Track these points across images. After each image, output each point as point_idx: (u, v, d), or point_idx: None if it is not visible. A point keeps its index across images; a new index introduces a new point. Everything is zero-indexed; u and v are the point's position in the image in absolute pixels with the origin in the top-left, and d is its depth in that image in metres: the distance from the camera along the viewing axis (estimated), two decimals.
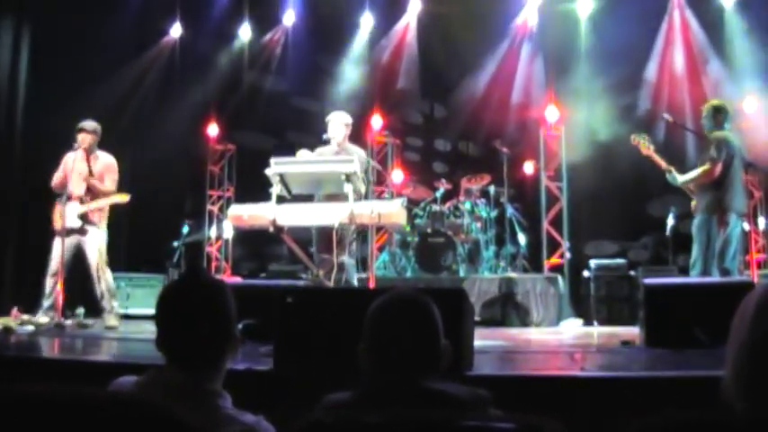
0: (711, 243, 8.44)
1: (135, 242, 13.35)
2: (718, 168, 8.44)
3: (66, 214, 9.43)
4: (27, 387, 2.18)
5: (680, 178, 8.81)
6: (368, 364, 2.56)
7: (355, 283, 9.07)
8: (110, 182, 9.78)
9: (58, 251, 9.48)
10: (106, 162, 9.84)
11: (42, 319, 9.25)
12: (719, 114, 8.78)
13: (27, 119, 12.71)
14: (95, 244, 9.66)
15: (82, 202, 9.57)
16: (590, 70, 13.44)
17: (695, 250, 8.64)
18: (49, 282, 9.48)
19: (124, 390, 2.52)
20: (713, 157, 8.46)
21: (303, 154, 8.39)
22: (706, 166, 8.52)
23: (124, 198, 9.72)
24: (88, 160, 9.68)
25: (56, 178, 9.72)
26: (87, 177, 9.64)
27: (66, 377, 5.27)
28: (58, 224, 9.53)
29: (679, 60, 13.37)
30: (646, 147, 9.15)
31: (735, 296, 2.05)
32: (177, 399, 2.32)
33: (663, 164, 8.99)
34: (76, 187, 9.59)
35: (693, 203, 8.91)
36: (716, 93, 12.65)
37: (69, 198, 9.47)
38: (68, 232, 9.49)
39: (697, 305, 6.54)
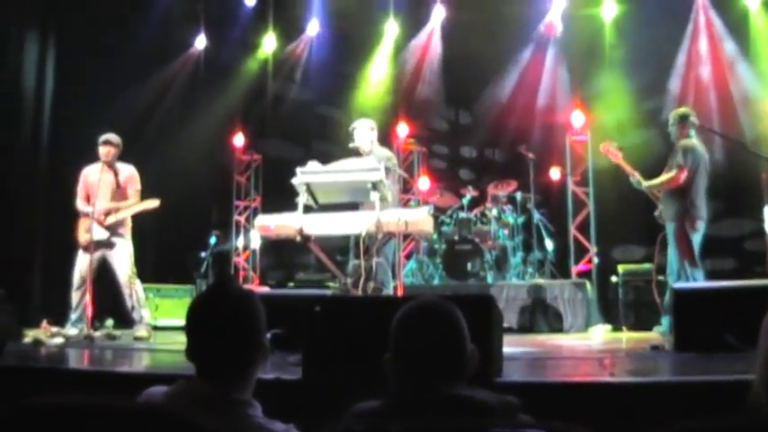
0: (695, 250, 8.48)
1: (162, 253, 13.40)
2: (684, 175, 8.55)
3: (93, 227, 9.49)
4: (53, 398, 2.20)
5: (645, 183, 8.86)
6: (394, 373, 2.56)
7: (390, 289, 9.02)
8: (132, 191, 9.83)
9: (83, 264, 9.56)
10: (129, 173, 9.89)
11: (71, 331, 9.30)
12: (685, 122, 8.86)
13: (53, 132, 12.80)
14: (124, 255, 9.72)
15: (108, 213, 9.63)
16: (615, 74, 13.40)
17: (675, 259, 8.65)
18: (74, 295, 9.55)
19: (154, 400, 2.53)
20: (680, 163, 8.58)
21: (313, 166, 8.38)
22: (672, 173, 8.64)
23: (154, 203, 9.76)
24: (115, 172, 9.74)
25: (80, 198, 9.79)
26: (114, 191, 9.71)
27: (96, 388, 5.29)
28: (82, 237, 9.60)
29: (704, 63, 13.30)
30: (615, 155, 9.26)
31: (764, 299, 2.05)
32: (207, 409, 2.33)
33: (629, 170, 9.08)
34: (102, 199, 9.65)
35: (658, 210, 8.93)
36: (742, 95, 12.60)
37: (93, 213, 9.51)
38: (95, 244, 9.53)
39: (727, 309, 6.48)
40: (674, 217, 8.63)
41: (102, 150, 9.67)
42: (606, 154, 9.47)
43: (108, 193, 9.71)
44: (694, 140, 8.83)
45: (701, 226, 8.60)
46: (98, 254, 9.62)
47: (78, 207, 9.76)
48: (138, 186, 9.88)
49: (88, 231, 9.47)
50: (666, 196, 8.77)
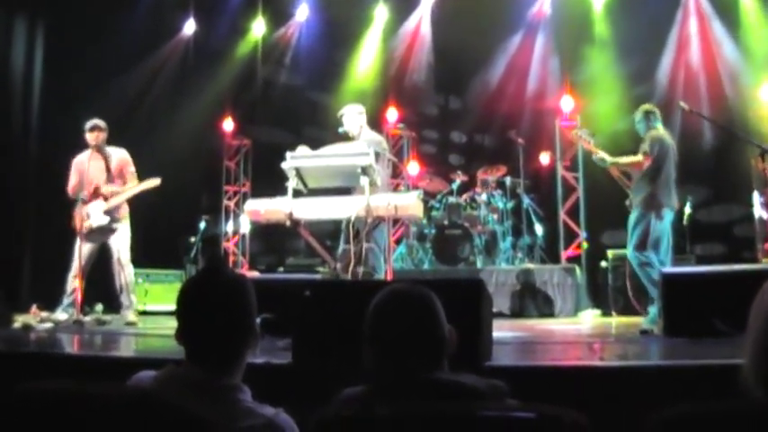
0: (649, 237, 8.50)
1: (152, 238, 13.36)
2: (647, 163, 8.58)
3: (92, 213, 9.50)
4: (44, 384, 2.19)
5: (610, 159, 8.90)
6: (372, 361, 2.56)
7: (381, 273, 9.01)
8: (129, 174, 9.83)
9: (83, 251, 9.52)
10: (121, 156, 9.87)
11: (61, 316, 9.29)
12: (651, 116, 8.98)
13: (42, 118, 12.75)
14: (124, 240, 9.73)
15: (106, 199, 9.61)
16: (605, 60, 13.42)
17: (632, 241, 8.68)
18: (71, 282, 9.50)
19: (143, 384, 2.53)
20: (645, 151, 8.64)
21: (303, 150, 8.36)
22: (638, 157, 8.66)
23: (155, 182, 9.75)
24: (105, 157, 9.74)
25: (72, 184, 9.70)
26: (107, 176, 9.71)
27: (86, 373, 5.29)
28: (80, 225, 9.54)
29: (694, 48, 13.32)
30: (586, 141, 9.32)
31: (753, 284, 2.04)
32: (196, 393, 2.33)
33: (593, 149, 9.12)
34: (101, 183, 9.65)
35: (629, 199, 8.96)
36: (732, 80, 12.63)
37: (89, 199, 9.53)
38: (95, 231, 9.55)
39: (715, 294, 6.51)
40: (639, 203, 8.66)
41: (91, 136, 9.64)
42: (578, 140, 9.53)
43: (102, 178, 9.69)
44: (661, 131, 8.87)
45: (666, 214, 8.62)
46: (99, 239, 9.64)
47: (70, 190, 9.70)
48: (133, 168, 9.87)
49: (86, 218, 9.47)
50: (636, 184, 8.81)
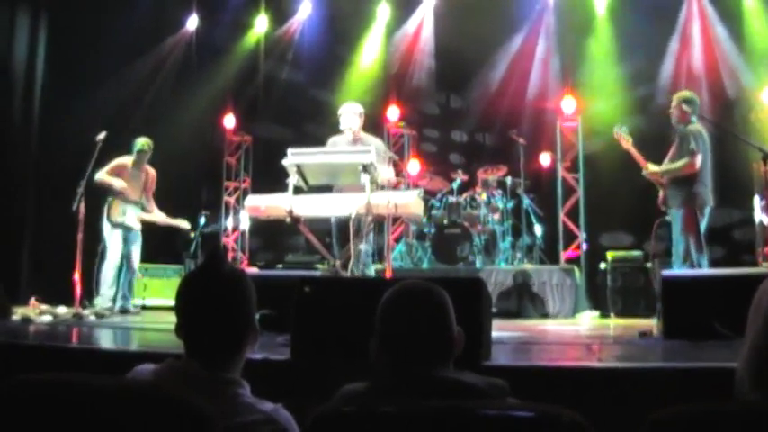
0: (702, 237, 8.43)
1: (152, 233, 13.38)
2: (699, 160, 8.46)
3: (128, 213, 10.37)
4: (43, 376, 2.20)
5: (660, 169, 8.77)
6: (380, 357, 2.56)
7: (371, 270, 9.04)
8: (151, 192, 10.78)
9: (118, 242, 10.32)
10: (153, 175, 10.80)
11: (59, 309, 9.43)
12: (690, 106, 8.78)
13: (44, 113, 12.77)
14: (137, 244, 10.62)
15: (143, 208, 10.63)
16: (607, 60, 13.41)
17: (682, 244, 8.59)
18: (111, 272, 10.19)
19: (142, 377, 2.53)
20: (693, 149, 8.46)
21: (305, 149, 8.38)
22: (686, 159, 8.50)
23: (185, 226, 11.07)
24: (146, 174, 10.69)
25: (109, 175, 10.28)
26: (143, 189, 10.66)
27: (85, 366, 5.29)
28: (117, 218, 10.28)
29: (696, 50, 13.30)
30: (626, 140, 9.20)
31: (752, 287, 2.05)
32: (195, 387, 2.33)
33: (641, 159, 9.02)
34: (137, 193, 10.55)
35: (660, 195, 8.87)
36: (734, 82, 12.61)
37: (127, 199, 10.39)
38: (119, 225, 10.36)
39: (715, 297, 6.50)
40: (681, 203, 8.56)
41: (143, 156, 10.57)
42: (618, 139, 9.39)
43: (139, 190, 10.56)
44: (699, 126, 8.77)
45: (707, 212, 8.57)
46: (121, 236, 10.43)
47: (104, 179, 10.22)
48: (154, 188, 10.79)
49: (123, 215, 10.35)
50: (673, 183, 8.69)
